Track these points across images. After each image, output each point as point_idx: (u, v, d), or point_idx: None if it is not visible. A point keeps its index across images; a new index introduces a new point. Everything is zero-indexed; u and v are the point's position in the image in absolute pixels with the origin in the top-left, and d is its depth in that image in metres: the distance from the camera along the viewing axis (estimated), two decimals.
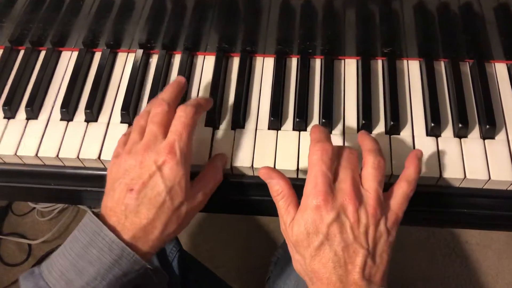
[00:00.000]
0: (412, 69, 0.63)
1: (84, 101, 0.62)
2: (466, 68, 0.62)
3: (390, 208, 0.48)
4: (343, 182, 0.47)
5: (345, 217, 0.45)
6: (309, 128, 0.58)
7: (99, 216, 0.49)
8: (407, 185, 0.49)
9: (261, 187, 0.58)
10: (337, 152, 0.49)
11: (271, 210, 0.61)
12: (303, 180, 0.55)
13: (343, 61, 0.64)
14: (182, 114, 0.50)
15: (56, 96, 0.64)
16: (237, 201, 0.61)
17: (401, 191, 0.49)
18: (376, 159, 0.48)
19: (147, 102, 0.62)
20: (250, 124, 0.60)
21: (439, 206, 0.58)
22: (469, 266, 1.33)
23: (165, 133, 0.50)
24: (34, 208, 1.47)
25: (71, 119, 0.62)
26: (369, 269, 0.45)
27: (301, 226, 0.46)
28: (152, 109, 0.52)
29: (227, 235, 1.40)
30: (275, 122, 0.58)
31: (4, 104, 0.62)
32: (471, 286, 1.31)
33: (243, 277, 1.34)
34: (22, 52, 0.68)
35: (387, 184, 0.50)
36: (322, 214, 0.45)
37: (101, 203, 0.51)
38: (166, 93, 0.53)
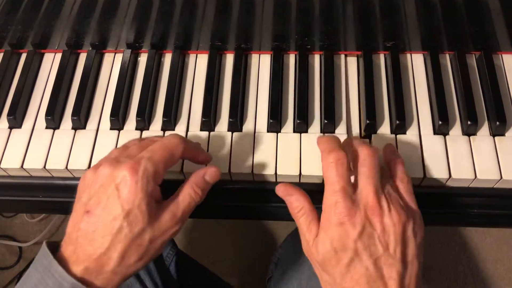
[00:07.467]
0: (417, 63, 0.60)
1: (70, 107, 0.59)
2: (472, 60, 0.59)
3: (410, 208, 0.46)
4: (364, 192, 0.44)
5: (371, 228, 0.43)
6: (310, 130, 0.55)
7: (59, 244, 0.44)
8: (402, 181, 0.47)
9: (262, 193, 0.56)
10: (356, 155, 0.46)
11: (273, 215, 0.59)
12: (307, 184, 0.53)
13: (343, 56, 0.61)
14: (170, 139, 0.46)
15: (40, 103, 0.60)
16: (236, 207, 0.58)
17: (404, 189, 0.47)
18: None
19: (137, 105, 0.58)
20: (248, 127, 0.56)
21: (448, 207, 0.55)
22: (468, 253, 1.32)
23: None
24: None
25: (57, 127, 0.58)
26: (404, 279, 0.43)
27: (327, 244, 0.43)
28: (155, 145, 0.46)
29: (223, 230, 1.38)
30: (275, 124, 0.55)
31: None
32: (470, 273, 1.30)
33: (240, 272, 1.32)
34: (0, 56, 0.63)
35: None
36: (347, 229, 0.43)
37: None
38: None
